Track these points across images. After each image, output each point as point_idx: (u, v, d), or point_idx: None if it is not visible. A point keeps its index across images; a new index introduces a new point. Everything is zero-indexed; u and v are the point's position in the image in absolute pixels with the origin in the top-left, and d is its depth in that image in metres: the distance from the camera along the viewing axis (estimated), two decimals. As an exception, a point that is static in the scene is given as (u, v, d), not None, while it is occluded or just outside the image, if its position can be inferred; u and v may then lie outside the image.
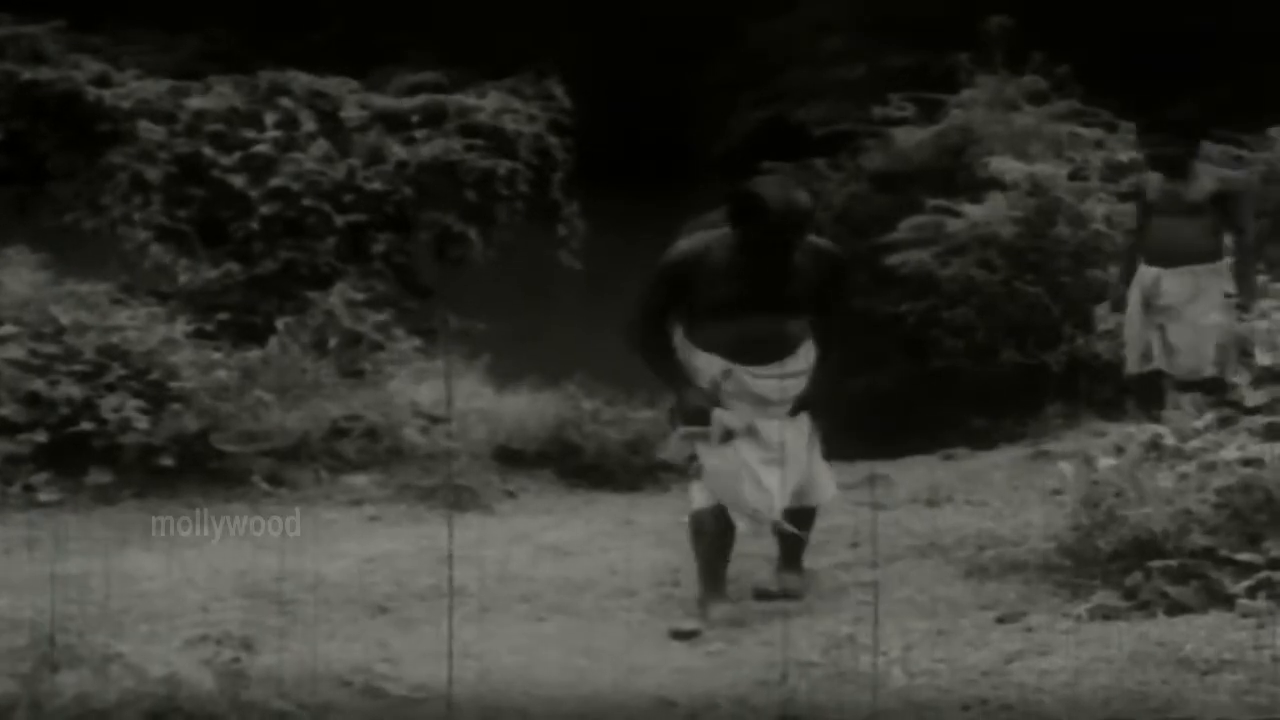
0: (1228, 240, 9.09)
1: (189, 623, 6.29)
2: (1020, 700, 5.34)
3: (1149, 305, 9.17)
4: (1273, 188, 12.15)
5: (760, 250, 6.52)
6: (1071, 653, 5.69)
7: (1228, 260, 9.09)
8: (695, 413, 6.61)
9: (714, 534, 6.69)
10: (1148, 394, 9.29)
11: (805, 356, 6.73)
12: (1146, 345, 9.24)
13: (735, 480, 6.60)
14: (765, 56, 17.24)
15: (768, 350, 6.65)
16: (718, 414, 6.58)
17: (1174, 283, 9.11)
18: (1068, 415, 10.17)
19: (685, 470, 6.87)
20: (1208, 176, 9.17)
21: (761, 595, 6.91)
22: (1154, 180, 9.28)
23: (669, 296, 6.66)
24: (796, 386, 6.68)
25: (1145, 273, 9.21)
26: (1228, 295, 9.04)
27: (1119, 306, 9.53)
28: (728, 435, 6.57)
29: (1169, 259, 9.11)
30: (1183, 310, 9.10)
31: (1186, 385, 9.01)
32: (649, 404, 9.94)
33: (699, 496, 6.73)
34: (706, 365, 6.65)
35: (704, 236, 6.68)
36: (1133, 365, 9.40)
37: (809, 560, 7.18)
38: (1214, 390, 8.64)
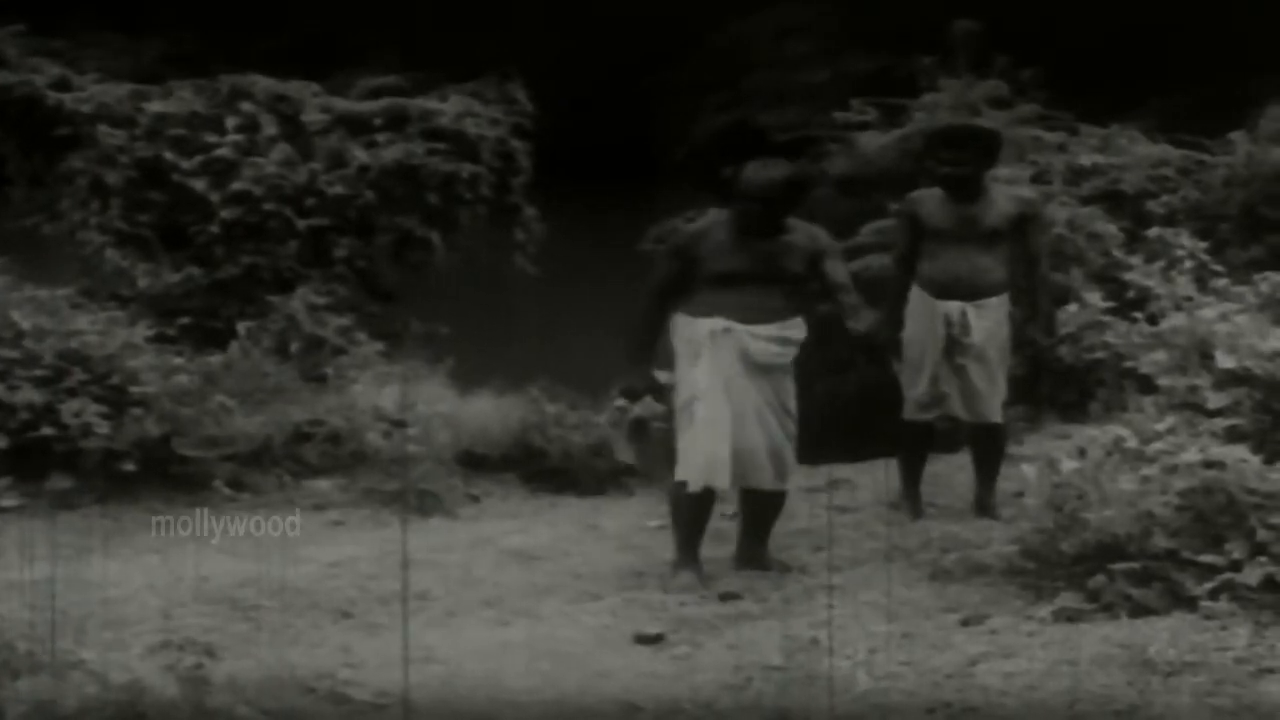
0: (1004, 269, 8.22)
1: (151, 629, 6.25)
2: (984, 703, 5.35)
3: (954, 345, 8.13)
4: (1234, 191, 12.22)
5: (750, 225, 7.16)
6: (1035, 655, 5.71)
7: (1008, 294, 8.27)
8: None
9: (690, 505, 7.21)
10: (920, 445, 8.45)
11: (799, 328, 7.29)
12: (937, 390, 8.20)
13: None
14: (729, 61, 17.26)
15: (765, 313, 7.19)
16: (698, 374, 7.08)
17: (980, 319, 8.12)
18: (1030, 418, 10.17)
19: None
20: (1005, 199, 8.26)
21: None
22: (932, 202, 8.21)
23: (676, 272, 7.25)
24: (785, 356, 7.24)
25: (944, 308, 8.12)
26: (1028, 333, 8.45)
27: (892, 348, 8.33)
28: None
29: (972, 292, 8.12)
30: (986, 350, 8.17)
31: (972, 435, 8.41)
32: (613, 408, 9.94)
33: (678, 470, 7.21)
34: (698, 329, 7.14)
35: (707, 218, 7.40)
36: (914, 411, 8.30)
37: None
38: (993, 445, 8.31)
